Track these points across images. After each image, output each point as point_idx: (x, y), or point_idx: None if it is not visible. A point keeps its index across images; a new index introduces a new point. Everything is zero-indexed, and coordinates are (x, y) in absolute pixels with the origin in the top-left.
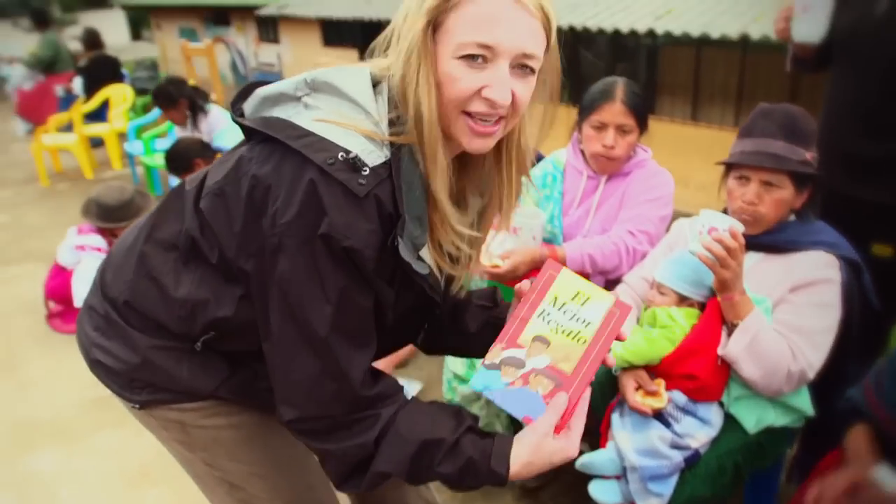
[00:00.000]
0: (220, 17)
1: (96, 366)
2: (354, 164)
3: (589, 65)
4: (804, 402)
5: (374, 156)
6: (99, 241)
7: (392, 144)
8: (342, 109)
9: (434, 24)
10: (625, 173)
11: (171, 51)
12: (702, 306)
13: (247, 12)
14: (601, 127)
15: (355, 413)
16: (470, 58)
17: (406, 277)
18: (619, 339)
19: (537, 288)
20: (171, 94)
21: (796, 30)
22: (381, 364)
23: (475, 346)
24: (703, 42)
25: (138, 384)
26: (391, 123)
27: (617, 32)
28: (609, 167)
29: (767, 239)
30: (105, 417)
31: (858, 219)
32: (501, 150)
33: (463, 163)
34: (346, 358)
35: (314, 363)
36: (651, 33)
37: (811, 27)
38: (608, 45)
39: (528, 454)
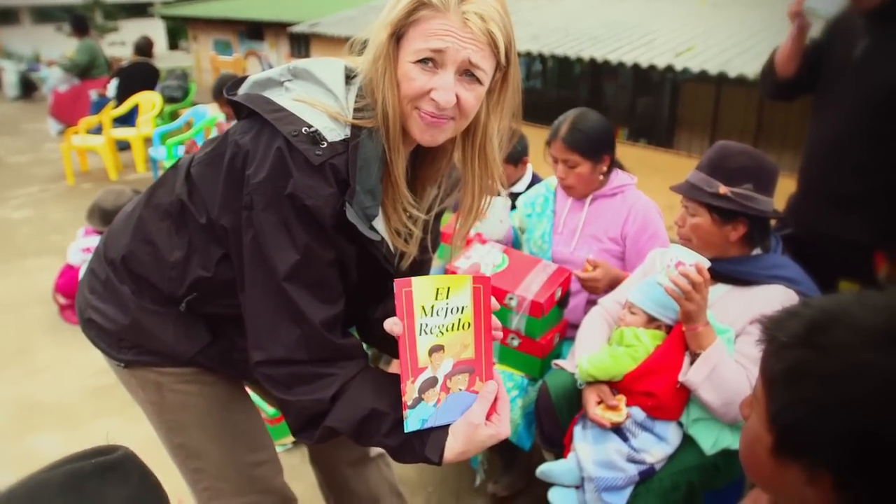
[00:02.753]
0: (254, 32)
1: (89, 325)
2: (314, 138)
3: (612, 96)
4: None
5: (334, 133)
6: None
7: (354, 126)
8: (314, 93)
9: (398, 35)
10: (607, 195)
11: (204, 62)
12: (668, 329)
13: (280, 28)
14: (555, 160)
15: (318, 365)
16: (423, 62)
17: (364, 245)
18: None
19: (403, 311)
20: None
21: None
22: None
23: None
24: (723, 80)
25: (126, 344)
26: (359, 111)
27: (636, 66)
28: (571, 193)
29: (730, 270)
30: (106, 405)
31: (828, 255)
32: (466, 152)
33: (424, 157)
34: (307, 305)
35: (279, 306)
36: (670, 69)
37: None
38: (631, 78)
39: (461, 444)
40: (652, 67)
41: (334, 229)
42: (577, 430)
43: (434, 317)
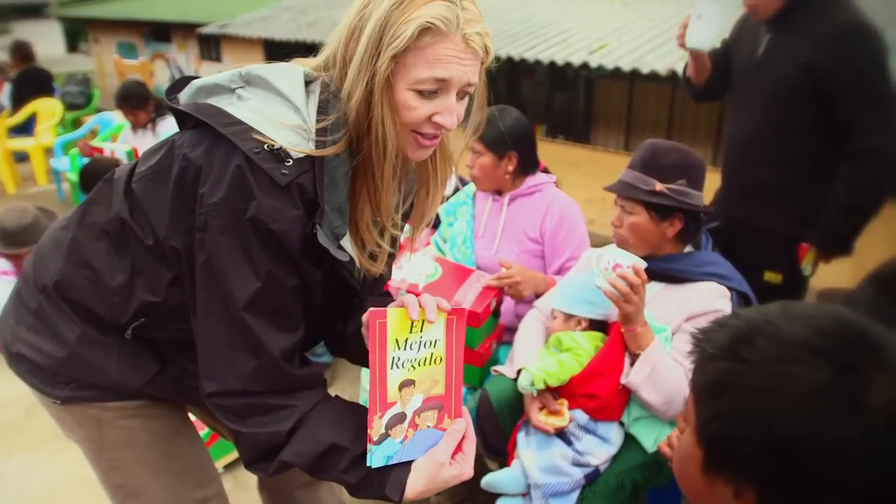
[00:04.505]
0: (160, 33)
1: (17, 360)
2: (278, 155)
3: (529, 93)
4: None
5: (299, 148)
6: (4, 264)
7: (319, 142)
8: (272, 104)
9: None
10: (525, 194)
11: (108, 66)
12: (595, 325)
13: (188, 29)
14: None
15: (275, 396)
16: (426, 89)
17: (331, 265)
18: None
19: (376, 343)
20: (143, 95)
21: (689, 36)
22: None
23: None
24: (636, 76)
25: (62, 379)
26: (323, 131)
27: (553, 64)
28: (478, 185)
29: (664, 268)
30: (15, 442)
31: (753, 247)
32: None
33: None
34: (267, 335)
35: (234, 336)
36: (585, 66)
37: (703, 35)
38: (547, 76)
39: (423, 483)
40: (568, 65)
41: (301, 253)
42: (521, 437)
43: (407, 350)
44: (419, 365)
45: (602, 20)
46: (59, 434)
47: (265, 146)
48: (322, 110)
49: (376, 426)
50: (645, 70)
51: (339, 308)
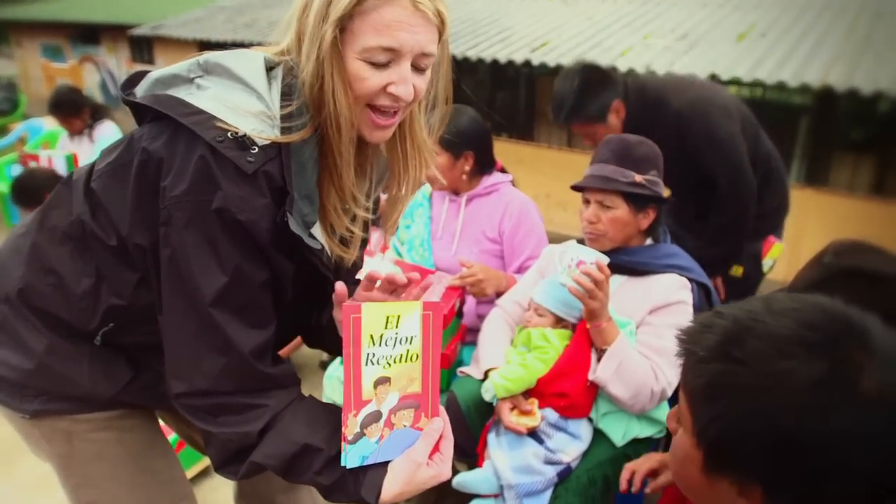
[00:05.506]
0: (88, 35)
1: None
2: (243, 143)
3: (471, 92)
4: (664, 414)
5: (264, 135)
6: None
7: (284, 128)
8: (234, 91)
9: (341, 27)
10: (482, 194)
11: (34, 69)
12: (573, 327)
13: (118, 31)
14: None
15: (246, 395)
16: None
17: (302, 255)
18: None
19: (350, 339)
20: (77, 102)
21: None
22: None
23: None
24: None
25: (31, 392)
26: (288, 117)
27: (495, 63)
28: (434, 186)
29: (626, 261)
30: None
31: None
32: (396, 135)
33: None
34: (235, 332)
35: (202, 334)
36: (527, 64)
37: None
38: (488, 74)
39: (400, 485)
40: (510, 63)
41: (271, 244)
42: (492, 438)
43: (382, 347)
44: (395, 362)
45: (542, 18)
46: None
47: (229, 134)
48: (286, 95)
49: (351, 425)
50: None
51: (312, 299)
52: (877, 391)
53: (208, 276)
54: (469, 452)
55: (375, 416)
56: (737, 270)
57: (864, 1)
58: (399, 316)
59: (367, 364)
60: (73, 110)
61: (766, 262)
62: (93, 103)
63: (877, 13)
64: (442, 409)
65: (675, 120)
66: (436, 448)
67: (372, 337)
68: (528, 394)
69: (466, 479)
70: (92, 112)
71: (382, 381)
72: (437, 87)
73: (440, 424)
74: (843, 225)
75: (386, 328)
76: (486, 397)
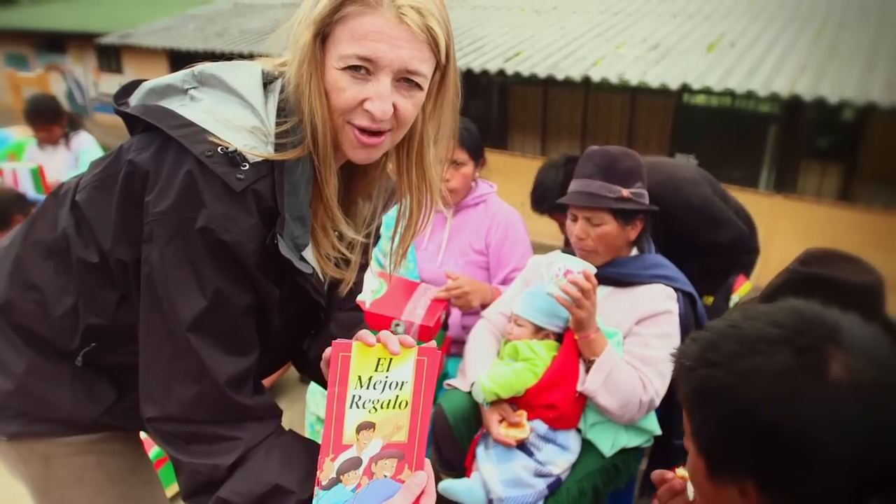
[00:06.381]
0: (54, 44)
1: None
2: (234, 159)
3: None
4: (652, 424)
5: (256, 152)
6: None
7: (279, 145)
8: (228, 104)
9: (323, 35)
10: (470, 206)
11: None
12: (557, 337)
13: (86, 40)
14: None
15: (220, 426)
16: (353, 69)
17: (293, 279)
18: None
19: (336, 378)
20: (58, 109)
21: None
22: None
23: None
24: (550, 82)
25: (9, 413)
26: (284, 134)
27: (469, 72)
28: (450, 199)
29: (612, 272)
30: None
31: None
32: (401, 162)
33: (354, 170)
34: (211, 359)
35: (176, 358)
36: (501, 74)
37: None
38: (462, 84)
39: None
40: (484, 73)
41: (257, 268)
42: (480, 451)
43: (370, 390)
44: (382, 407)
45: (515, 28)
46: None
47: (219, 149)
48: (282, 111)
49: (327, 469)
50: (560, 76)
51: (303, 325)
52: (848, 379)
53: (187, 298)
54: (456, 466)
55: (354, 463)
56: (707, 300)
57: (829, 11)
58: (391, 359)
59: (351, 406)
60: (54, 118)
61: (734, 298)
62: (69, 113)
63: (841, 23)
64: (427, 462)
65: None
66: (416, 503)
67: (360, 378)
68: (516, 405)
69: (452, 486)
70: (69, 121)
71: (366, 427)
72: (440, 119)
73: (423, 479)
74: (812, 231)
75: (376, 370)
76: (478, 399)
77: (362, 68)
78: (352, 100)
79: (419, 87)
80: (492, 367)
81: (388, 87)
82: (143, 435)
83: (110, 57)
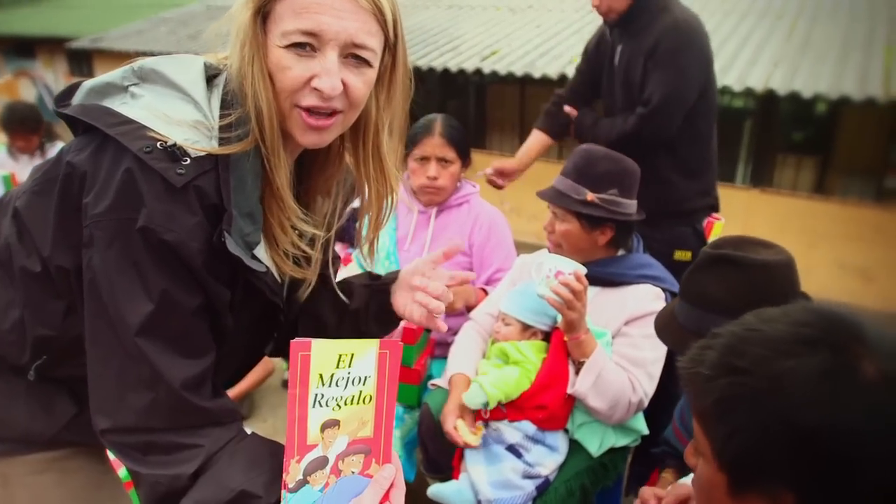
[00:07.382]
0: (23, 49)
1: None
2: (174, 154)
3: (421, 101)
4: (640, 424)
5: (198, 146)
6: None
7: (223, 138)
8: (169, 99)
9: (263, 14)
10: (453, 206)
11: None
12: (544, 336)
13: (56, 44)
14: (424, 160)
15: (178, 433)
16: (297, 46)
17: (247, 280)
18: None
19: (297, 378)
20: (38, 118)
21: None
22: None
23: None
24: (527, 80)
25: None
26: (228, 127)
27: (446, 72)
28: (435, 199)
29: (600, 272)
30: None
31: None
32: (358, 153)
33: (311, 163)
34: (164, 363)
35: (127, 366)
36: (478, 73)
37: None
38: (438, 84)
39: None
40: (461, 72)
41: (204, 267)
42: (469, 452)
43: (332, 387)
44: (346, 403)
45: (491, 27)
46: None
47: (158, 144)
48: (226, 104)
49: (293, 471)
50: (537, 75)
51: (263, 328)
52: (880, 377)
53: (133, 302)
54: (443, 467)
55: (321, 463)
56: (684, 255)
57: (802, 6)
58: (353, 354)
59: (314, 406)
60: (36, 126)
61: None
62: (47, 122)
63: (814, 17)
64: (395, 454)
65: (672, 24)
66: (385, 497)
67: (321, 376)
68: (504, 407)
69: (441, 491)
70: (45, 130)
71: (331, 425)
72: (394, 105)
73: (391, 472)
74: (788, 224)
75: (338, 367)
76: (472, 405)
77: (307, 45)
78: (298, 78)
79: (368, 63)
80: (491, 373)
81: (336, 61)
82: (111, 456)
83: (81, 62)
